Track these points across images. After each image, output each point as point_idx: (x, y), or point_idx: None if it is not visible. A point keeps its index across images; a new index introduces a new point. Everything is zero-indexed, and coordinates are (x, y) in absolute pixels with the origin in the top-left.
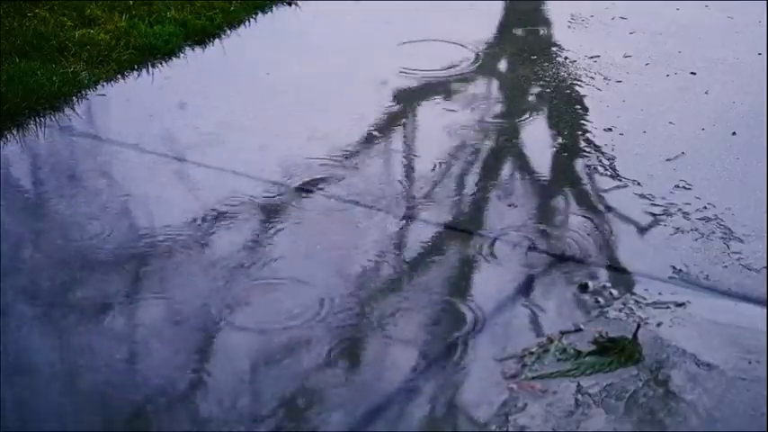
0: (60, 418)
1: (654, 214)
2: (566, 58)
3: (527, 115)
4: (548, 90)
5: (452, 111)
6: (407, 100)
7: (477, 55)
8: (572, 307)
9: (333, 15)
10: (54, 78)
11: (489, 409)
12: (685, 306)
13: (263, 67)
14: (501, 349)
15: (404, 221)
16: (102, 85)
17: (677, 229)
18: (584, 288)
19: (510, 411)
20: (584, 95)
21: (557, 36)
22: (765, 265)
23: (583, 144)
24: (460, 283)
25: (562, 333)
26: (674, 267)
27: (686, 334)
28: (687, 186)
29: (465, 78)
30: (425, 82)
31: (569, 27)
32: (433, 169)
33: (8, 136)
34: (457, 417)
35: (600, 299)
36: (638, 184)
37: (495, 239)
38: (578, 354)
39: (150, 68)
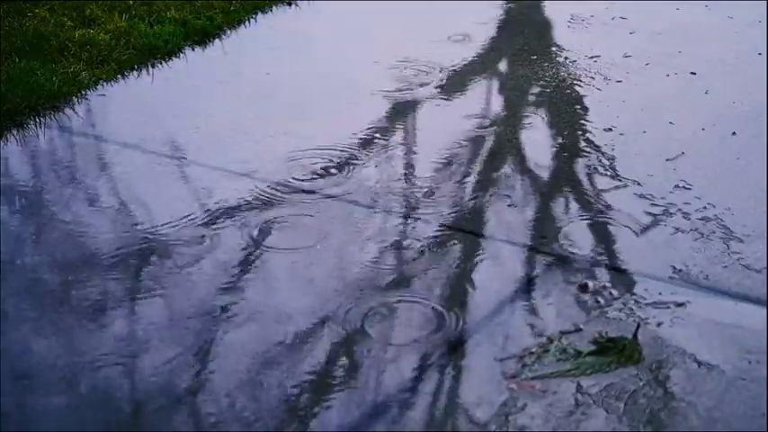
0: (60, 418)
1: (654, 214)
2: (566, 58)
3: (527, 115)
4: (548, 90)
5: (452, 110)
6: (407, 99)
7: (478, 55)
8: (572, 307)
9: (333, 15)
10: (54, 78)
11: (489, 409)
12: (685, 306)
13: (263, 67)
14: (501, 349)
15: (404, 221)
16: (102, 85)
17: (677, 229)
18: (584, 288)
19: (510, 411)
20: (584, 95)
21: (557, 36)
22: (765, 265)
23: (583, 144)
24: (461, 283)
25: (562, 333)
26: (674, 267)
27: (686, 334)
28: (687, 186)
29: (465, 78)
30: (425, 81)
31: (569, 27)
32: (433, 169)
33: (8, 136)
34: (457, 417)
35: (600, 299)
36: (638, 184)
37: (494, 239)
38: (578, 354)
39: (150, 68)
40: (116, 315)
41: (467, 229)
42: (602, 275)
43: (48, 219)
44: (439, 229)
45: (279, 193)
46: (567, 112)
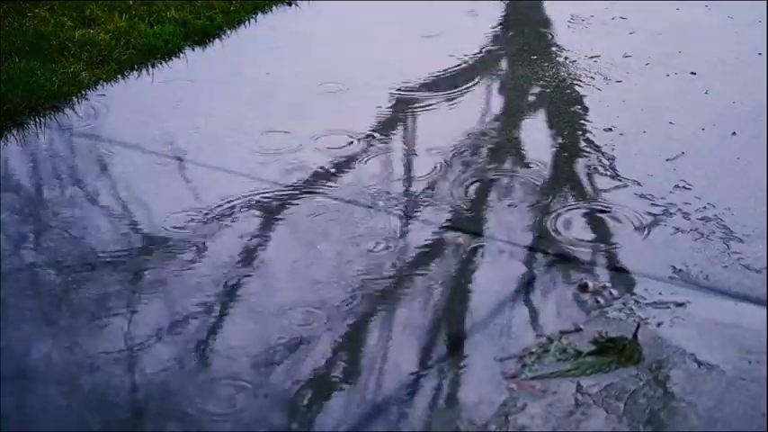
0: (59, 418)
1: (654, 214)
2: (566, 58)
3: (527, 115)
4: (548, 90)
5: (452, 110)
6: (407, 99)
7: (478, 55)
8: (572, 307)
9: (333, 15)
10: (54, 78)
11: (489, 409)
12: (685, 306)
13: (263, 67)
14: (501, 349)
15: (403, 221)
16: (102, 85)
17: (677, 229)
18: (584, 288)
19: (510, 411)
20: (584, 95)
21: (557, 36)
22: (765, 265)
23: (583, 144)
24: (460, 283)
25: (562, 333)
26: (674, 267)
27: (686, 334)
28: (687, 186)
29: (465, 78)
30: (425, 81)
31: (569, 27)
32: (433, 169)
33: (8, 136)
34: (457, 417)
35: (600, 299)
36: (638, 184)
37: (494, 239)
38: (578, 354)
39: (150, 68)
40: (116, 315)
41: (467, 229)
42: (603, 275)
43: (48, 219)
44: (439, 228)
45: (278, 193)
46: (567, 112)
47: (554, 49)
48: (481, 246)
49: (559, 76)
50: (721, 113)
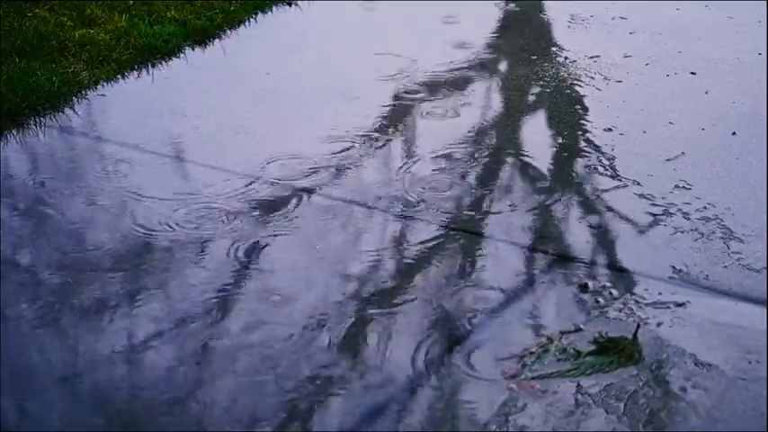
0: (59, 418)
1: (654, 214)
2: (566, 58)
3: (527, 115)
4: (548, 90)
5: (452, 110)
6: (407, 99)
7: (478, 55)
8: (572, 307)
9: (333, 15)
10: (54, 78)
11: (489, 409)
12: (685, 306)
13: (263, 67)
14: (501, 349)
15: (403, 221)
16: (102, 85)
17: (677, 229)
18: (584, 288)
19: (510, 411)
20: (584, 95)
21: (557, 36)
22: (765, 265)
23: (583, 144)
24: (460, 283)
25: (562, 333)
26: (674, 267)
27: (686, 334)
28: (687, 186)
29: (465, 78)
30: (425, 81)
31: (569, 27)
32: (433, 169)
33: (8, 136)
34: (457, 417)
35: (600, 299)
36: (638, 184)
37: (494, 239)
38: (578, 354)
39: (150, 68)
40: (115, 314)
41: (467, 229)
42: (602, 275)
43: (47, 219)
44: (439, 229)
45: (278, 193)
46: (567, 112)
47: (554, 49)
48: (481, 246)
49: (559, 76)
50: (721, 113)
